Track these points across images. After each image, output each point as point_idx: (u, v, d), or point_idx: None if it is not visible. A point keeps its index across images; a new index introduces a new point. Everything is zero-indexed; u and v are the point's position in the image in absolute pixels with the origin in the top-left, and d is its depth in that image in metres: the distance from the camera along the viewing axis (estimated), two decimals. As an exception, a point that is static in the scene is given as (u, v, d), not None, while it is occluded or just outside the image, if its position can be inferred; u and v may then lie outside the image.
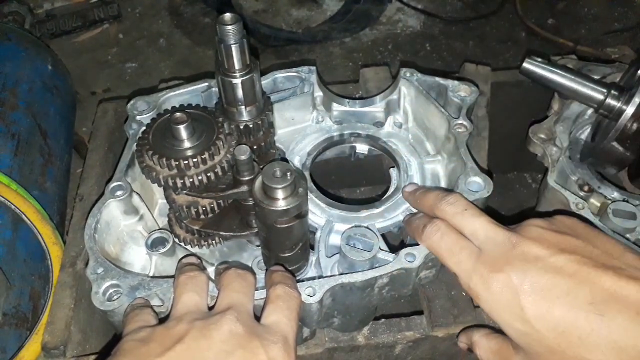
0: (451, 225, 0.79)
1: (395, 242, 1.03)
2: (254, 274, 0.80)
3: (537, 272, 0.66)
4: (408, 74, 1.13)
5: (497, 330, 0.80)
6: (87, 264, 0.85)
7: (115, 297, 0.80)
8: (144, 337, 0.69)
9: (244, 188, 0.85)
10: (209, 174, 0.83)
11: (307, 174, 1.09)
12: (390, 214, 1.02)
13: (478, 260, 0.72)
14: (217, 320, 0.68)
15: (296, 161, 1.13)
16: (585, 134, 1.20)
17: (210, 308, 0.75)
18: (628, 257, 0.67)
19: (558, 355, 0.65)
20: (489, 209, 0.81)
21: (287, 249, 0.84)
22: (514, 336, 0.70)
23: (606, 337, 0.61)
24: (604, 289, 0.63)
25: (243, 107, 0.92)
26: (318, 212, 1.02)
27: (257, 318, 0.74)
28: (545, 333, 0.65)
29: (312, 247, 0.96)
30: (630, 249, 0.69)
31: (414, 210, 0.97)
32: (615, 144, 1.00)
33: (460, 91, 1.09)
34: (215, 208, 0.91)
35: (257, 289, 0.78)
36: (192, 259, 0.85)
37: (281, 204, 0.74)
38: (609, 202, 1.02)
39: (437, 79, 1.12)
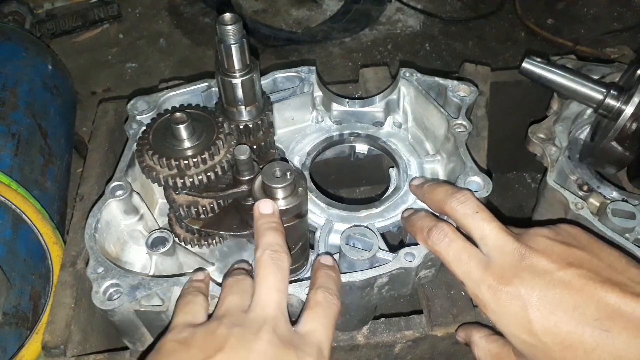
0: (457, 230, 0.79)
1: (395, 242, 1.03)
2: (288, 255, 0.76)
3: (545, 286, 0.68)
4: (408, 74, 1.14)
5: (497, 333, 0.80)
6: (87, 263, 0.85)
7: (115, 296, 0.81)
8: (186, 340, 0.70)
9: (244, 188, 0.85)
10: (209, 174, 0.83)
11: (307, 174, 1.09)
12: (390, 214, 1.02)
13: (487, 271, 0.72)
14: (257, 332, 0.69)
15: (296, 161, 1.13)
16: (584, 134, 1.20)
17: None
18: (632, 273, 0.69)
19: None
20: (490, 206, 0.80)
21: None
22: (520, 347, 0.71)
23: (611, 352, 0.63)
24: (609, 306, 0.64)
25: (243, 107, 0.92)
26: (318, 212, 1.02)
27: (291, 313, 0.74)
28: (551, 346, 0.66)
29: (312, 247, 0.96)
30: (633, 262, 0.71)
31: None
32: (614, 144, 1.01)
33: (460, 91, 1.09)
34: (216, 208, 0.91)
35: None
36: (244, 265, 0.86)
37: (281, 204, 0.75)
38: (609, 202, 1.02)
39: (437, 79, 1.12)
